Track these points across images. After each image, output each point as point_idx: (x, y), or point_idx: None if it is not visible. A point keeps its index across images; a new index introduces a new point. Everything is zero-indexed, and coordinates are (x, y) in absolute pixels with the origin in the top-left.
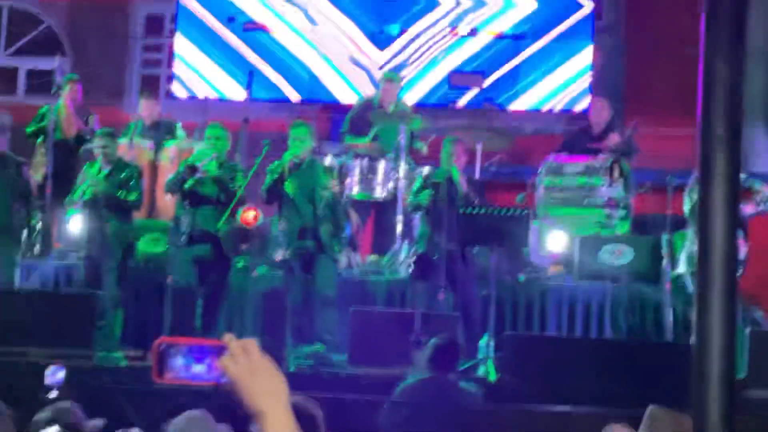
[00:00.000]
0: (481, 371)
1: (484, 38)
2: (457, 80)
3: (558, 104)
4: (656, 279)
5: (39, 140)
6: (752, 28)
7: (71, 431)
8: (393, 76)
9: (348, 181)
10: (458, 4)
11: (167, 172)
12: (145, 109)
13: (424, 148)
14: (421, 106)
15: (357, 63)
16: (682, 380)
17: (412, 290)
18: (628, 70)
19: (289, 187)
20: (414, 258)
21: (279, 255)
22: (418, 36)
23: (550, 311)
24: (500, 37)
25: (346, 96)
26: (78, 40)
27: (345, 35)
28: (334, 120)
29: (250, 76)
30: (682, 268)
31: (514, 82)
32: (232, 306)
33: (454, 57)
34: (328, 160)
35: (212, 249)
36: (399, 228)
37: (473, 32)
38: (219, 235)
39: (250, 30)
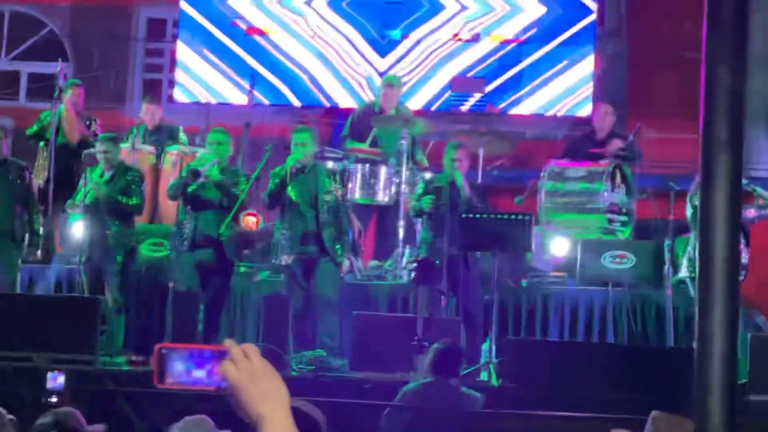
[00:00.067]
0: (483, 376)
1: (488, 44)
2: (459, 85)
3: (561, 110)
4: (658, 284)
5: (41, 144)
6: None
7: None
8: (393, 80)
9: (350, 185)
10: (463, 8)
11: (169, 177)
12: (147, 114)
13: (425, 160)
14: (423, 112)
15: (358, 69)
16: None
17: (414, 295)
18: (630, 75)
19: (291, 191)
20: (416, 263)
21: (284, 259)
22: (419, 41)
23: (552, 316)
24: (506, 42)
25: (347, 102)
26: (80, 44)
27: (347, 41)
28: (336, 125)
29: (252, 80)
30: (683, 272)
31: (517, 87)
32: (234, 311)
33: (457, 62)
34: (330, 165)
35: (215, 254)
36: (401, 233)
37: (476, 38)
38: (221, 240)
39: (251, 34)
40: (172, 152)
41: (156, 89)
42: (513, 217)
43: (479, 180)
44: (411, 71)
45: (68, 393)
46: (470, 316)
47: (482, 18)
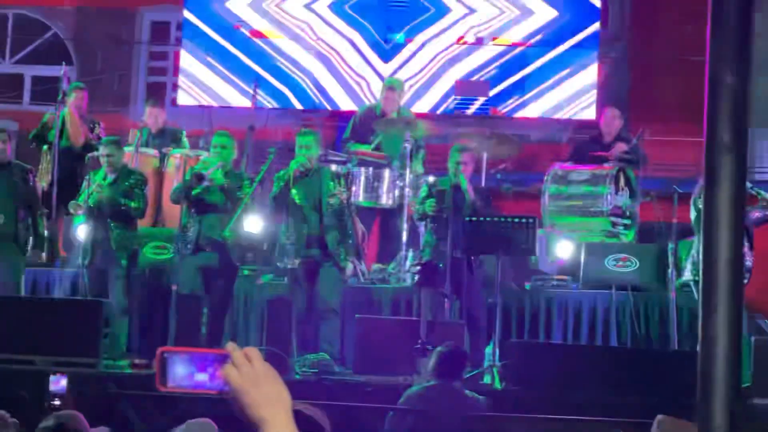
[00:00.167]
0: (486, 379)
1: (493, 47)
2: (463, 88)
3: (565, 115)
4: (662, 287)
5: (44, 148)
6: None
7: None
8: (395, 83)
9: (353, 188)
10: (471, 11)
11: (173, 180)
12: (150, 117)
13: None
14: (427, 115)
15: (361, 74)
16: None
17: (417, 298)
18: (633, 78)
19: (295, 195)
20: (419, 266)
21: (288, 262)
22: (424, 45)
23: (555, 319)
24: (514, 45)
25: (349, 105)
26: (84, 47)
27: (350, 45)
28: (340, 128)
29: (255, 83)
30: (687, 275)
31: (522, 91)
32: (238, 314)
33: (463, 66)
34: (334, 168)
35: (218, 257)
36: (404, 236)
37: (480, 41)
38: (225, 243)
39: (255, 37)
40: (176, 155)
41: (159, 92)
42: (517, 220)
43: (482, 183)
44: (415, 75)
45: (71, 396)
46: (474, 319)
47: (490, 21)
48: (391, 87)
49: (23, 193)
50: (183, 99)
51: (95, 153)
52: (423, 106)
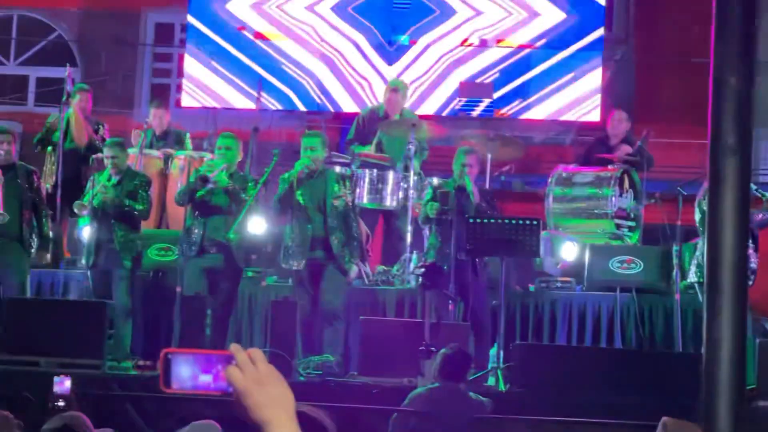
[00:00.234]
0: (490, 381)
1: (499, 50)
2: (467, 90)
3: (570, 117)
4: (666, 289)
5: (49, 149)
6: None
7: None
8: (398, 84)
9: (358, 190)
10: (478, 13)
11: (177, 182)
12: (155, 119)
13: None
14: (431, 116)
15: (365, 75)
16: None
17: (421, 300)
18: (638, 81)
19: (300, 196)
20: (424, 268)
21: (293, 264)
22: (428, 47)
23: (559, 321)
24: (522, 47)
25: (352, 107)
26: (88, 48)
27: (354, 47)
28: (343, 130)
29: (260, 85)
30: (691, 277)
31: (526, 94)
32: (242, 315)
33: (468, 68)
34: (338, 170)
35: (223, 259)
36: (409, 237)
37: (484, 43)
38: (230, 245)
39: (259, 39)
40: (180, 157)
41: (164, 94)
42: (521, 222)
43: (487, 185)
44: (420, 77)
45: (75, 397)
46: (478, 321)
47: (497, 24)
48: (395, 88)
49: (28, 194)
50: (187, 102)
51: (99, 155)
52: (428, 108)
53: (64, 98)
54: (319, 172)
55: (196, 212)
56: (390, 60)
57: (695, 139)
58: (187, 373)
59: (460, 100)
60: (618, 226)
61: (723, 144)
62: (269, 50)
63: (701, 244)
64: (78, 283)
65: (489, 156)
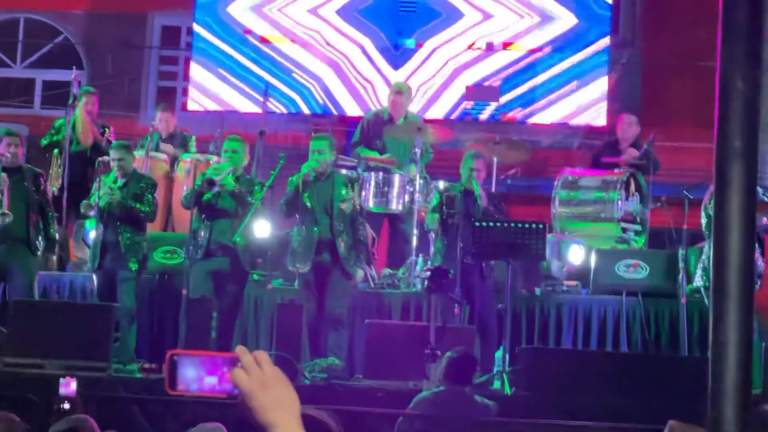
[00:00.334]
0: (496, 384)
1: (506, 54)
2: (473, 93)
3: (577, 121)
4: (672, 293)
5: (55, 152)
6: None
7: None
8: (402, 87)
9: (363, 193)
10: (488, 17)
11: (183, 185)
12: (161, 122)
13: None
14: (436, 120)
15: (369, 79)
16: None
17: (427, 303)
18: (644, 84)
19: (307, 199)
20: (429, 271)
21: (299, 267)
22: (434, 51)
23: (565, 324)
24: (532, 51)
25: (356, 112)
26: (94, 51)
27: (360, 52)
28: (349, 133)
29: (266, 89)
30: (698, 281)
31: (533, 98)
32: (248, 318)
33: (475, 71)
34: (344, 173)
35: (229, 262)
36: (414, 241)
37: (490, 47)
38: (236, 248)
39: (264, 43)
40: (186, 160)
41: (170, 97)
42: (527, 225)
43: (493, 188)
44: (427, 81)
45: (80, 400)
46: (484, 324)
47: (508, 27)
48: (399, 91)
49: (35, 197)
50: (193, 107)
51: (105, 157)
52: (435, 112)
53: (71, 101)
54: (326, 175)
55: (203, 215)
56: (396, 64)
57: (701, 142)
58: (192, 375)
59: (467, 104)
60: (624, 230)
61: (729, 147)
62: (274, 54)
63: (707, 248)
64: (83, 286)
65: (495, 159)
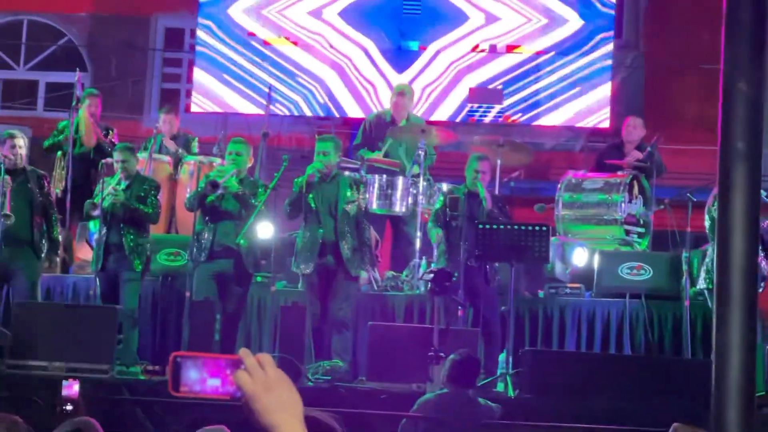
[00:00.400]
0: (499, 387)
1: (511, 56)
2: (477, 96)
3: (581, 124)
4: (675, 295)
5: (59, 153)
6: None
7: None
8: (404, 88)
9: (367, 195)
10: (495, 19)
11: (186, 187)
12: (165, 124)
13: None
14: (440, 122)
15: (371, 81)
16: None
17: (430, 305)
18: (648, 87)
19: (311, 200)
20: (433, 273)
21: (303, 268)
22: (438, 53)
23: (568, 327)
24: (539, 53)
25: (358, 113)
26: (98, 53)
27: (363, 54)
28: (353, 135)
29: (269, 92)
30: (701, 284)
31: (537, 101)
32: (251, 320)
33: (480, 74)
34: (348, 174)
35: (233, 264)
36: (418, 243)
37: (493, 49)
38: (239, 250)
39: (267, 46)
40: (190, 162)
41: (173, 99)
42: (530, 228)
43: (497, 191)
44: (431, 83)
45: (83, 402)
46: (488, 327)
47: (514, 30)
48: (401, 92)
49: (39, 198)
50: (196, 109)
51: (109, 159)
52: (440, 114)
53: (74, 103)
54: (331, 176)
55: (206, 217)
56: (400, 67)
57: (705, 145)
58: (195, 376)
59: (471, 107)
60: (627, 233)
61: (733, 149)
62: (276, 57)
63: (711, 251)
64: (86, 288)
65: (498, 162)
